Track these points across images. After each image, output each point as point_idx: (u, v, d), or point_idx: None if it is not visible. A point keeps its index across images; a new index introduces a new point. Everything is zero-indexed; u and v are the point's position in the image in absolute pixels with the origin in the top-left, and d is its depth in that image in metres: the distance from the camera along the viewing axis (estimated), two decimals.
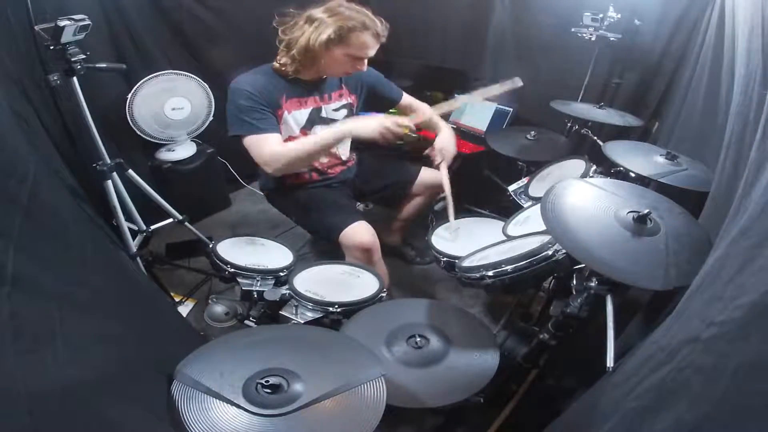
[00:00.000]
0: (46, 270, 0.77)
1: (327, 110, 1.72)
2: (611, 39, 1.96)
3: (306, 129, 1.68)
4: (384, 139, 1.49)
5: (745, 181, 0.74)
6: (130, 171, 1.76)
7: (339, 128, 1.53)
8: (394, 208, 2.04)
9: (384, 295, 1.36)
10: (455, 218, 1.65)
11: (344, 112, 1.77)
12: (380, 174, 1.96)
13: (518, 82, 1.53)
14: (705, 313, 0.57)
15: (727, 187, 0.95)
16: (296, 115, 1.65)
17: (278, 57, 1.59)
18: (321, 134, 1.56)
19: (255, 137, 1.52)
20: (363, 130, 1.50)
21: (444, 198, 1.72)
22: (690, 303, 0.66)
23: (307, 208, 1.72)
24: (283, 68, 1.58)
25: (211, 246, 1.51)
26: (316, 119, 1.69)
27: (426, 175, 1.93)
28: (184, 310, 1.89)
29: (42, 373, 0.64)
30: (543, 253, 1.07)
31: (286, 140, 1.61)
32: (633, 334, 1.07)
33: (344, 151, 1.83)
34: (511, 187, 1.76)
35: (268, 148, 1.52)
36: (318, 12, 1.51)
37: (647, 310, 1.09)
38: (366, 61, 1.57)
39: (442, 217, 1.74)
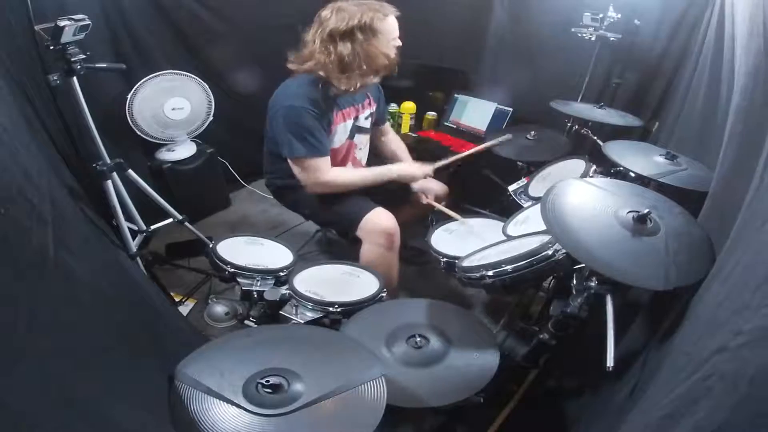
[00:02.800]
0: (78, 259, 0.78)
1: (361, 119, 1.76)
2: (611, 39, 1.96)
3: (349, 139, 1.73)
4: (416, 180, 1.74)
5: (761, 185, 0.72)
6: (130, 171, 1.76)
7: (389, 172, 1.70)
8: (394, 211, 2.04)
9: (384, 295, 1.36)
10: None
11: (369, 120, 1.82)
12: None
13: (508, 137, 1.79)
14: (734, 323, 0.57)
15: (727, 187, 0.95)
16: (343, 127, 1.69)
17: (333, 78, 1.55)
18: (372, 172, 1.69)
19: (318, 160, 1.57)
20: (408, 176, 1.72)
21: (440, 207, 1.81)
22: (721, 313, 0.65)
23: (322, 202, 1.72)
24: (342, 86, 1.56)
25: (211, 246, 1.51)
26: (355, 129, 1.74)
27: (428, 184, 1.94)
28: (184, 310, 1.89)
29: (71, 364, 0.64)
30: (543, 253, 1.07)
31: (331, 151, 1.67)
32: (636, 334, 1.06)
33: (364, 158, 1.89)
34: (511, 187, 1.76)
35: (325, 173, 1.60)
36: (339, 23, 1.49)
37: (649, 311, 1.09)
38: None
39: (442, 218, 1.74)
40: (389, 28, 1.55)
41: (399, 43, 1.60)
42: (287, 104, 1.54)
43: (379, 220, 1.62)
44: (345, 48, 1.51)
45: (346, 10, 1.50)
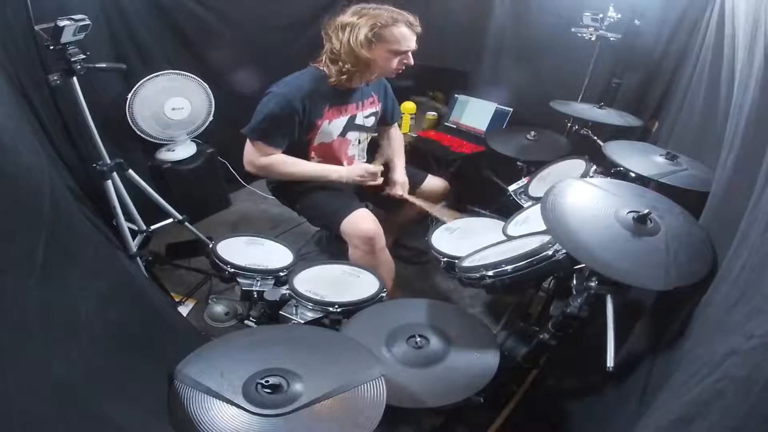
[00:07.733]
0: (71, 264, 0.78)
1: (360, 117, 1.76)
2: (611, 39, 1.96)
3: (341, 136, 1.73)
4: (365, 182, 1.68)
5: (767, 187, 0.72)
6: (130, 171, 1.76)
7: (325, 173, 1.68)
8: (394, 211, 2.04)
9: (384, 295, 1.36)
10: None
11: (372, 119, 1.81)
12: (387, 175, 1.97)
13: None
14: (746, 327, 0.57)
15: (728, 187, 0.94)
16: (336, 123, 1.69)
17: (324, 66, 1.61)
18: (310, 169, 1.68)
19: (259, 144, 1.60)
20: (344, 177, 1.67)
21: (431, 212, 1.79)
22: (732, 316, 0.65)
23: (312, 194, 1.73)
24: (331, 77, 1.60)
25: (211, 246, 1.51)
26: (351, 126, 1.74)
27: (431, 182, 1.94)
28: (184, 310, 1.89)
29: (68, 364, 0.64)
30: (543, 253, 1.07)
31: (319, 146, 1.70)
32: (640, 337, 1.06)
33: (361, 158, 1.89)
34: (511, 187, 1.76)
35: (265, 159, 1.63)
36: (346, 17, 1.55)
37: (654, 313, 1.08)
38: (411, 55, 1.59)
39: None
40: (395, 38, 1.54)
41: (407, 59, 1.59)
42: (271, 90, 1.58)
43: (358, 223, 1.60)
44: (338, 40, 1.55)
45: (361, 10, 1.54)
